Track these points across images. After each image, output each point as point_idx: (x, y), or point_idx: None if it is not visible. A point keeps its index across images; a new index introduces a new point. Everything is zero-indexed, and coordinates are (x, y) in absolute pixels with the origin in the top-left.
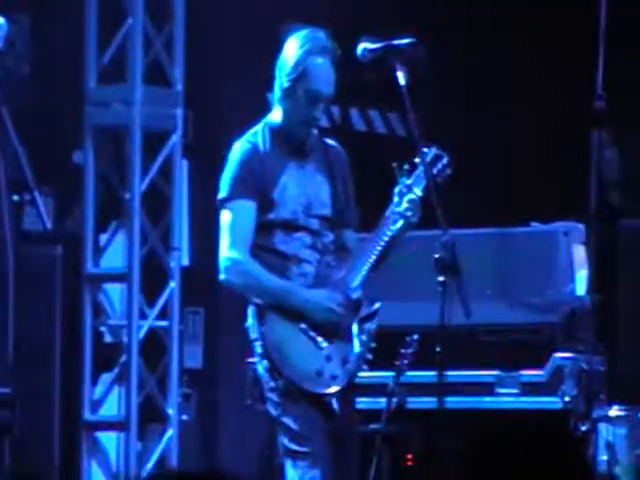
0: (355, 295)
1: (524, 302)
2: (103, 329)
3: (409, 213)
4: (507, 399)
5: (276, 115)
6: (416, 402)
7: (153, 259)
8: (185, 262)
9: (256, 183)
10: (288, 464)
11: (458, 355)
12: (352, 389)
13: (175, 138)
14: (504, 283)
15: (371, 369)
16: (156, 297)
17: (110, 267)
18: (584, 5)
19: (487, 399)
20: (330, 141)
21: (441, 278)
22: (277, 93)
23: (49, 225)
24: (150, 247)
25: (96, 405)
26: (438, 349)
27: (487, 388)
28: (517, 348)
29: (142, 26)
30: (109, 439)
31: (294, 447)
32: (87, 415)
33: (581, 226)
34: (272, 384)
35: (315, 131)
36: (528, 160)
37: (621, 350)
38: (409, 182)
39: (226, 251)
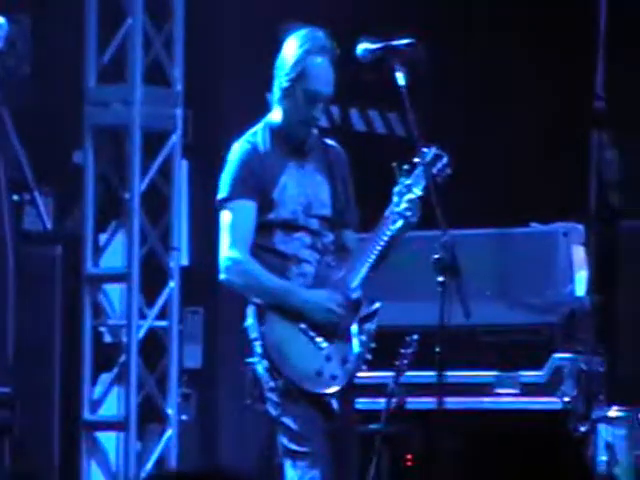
0: (355, 295)
1: (523, 302)
2: (103, 329)
3: (409, 213)
4: (506, 399)
5: (276, 115)
6: (416, 402)
7: (153, 259)
8: (184, 262)
9: (256, 183)
10: (288, 464)
11: (458, 355)
12: (352, 389)
13: (175, 138)
14: (504, 283)
15: (371, 369)
16: (155, 297)
17: (110, 267)
18: (584, 5)
19: (486, 399)
20: (330, 141)
21: (441, 278)
22: (276, 93)
23: (49, 225)
24: (150, 247)
25: (96, 405)
26: (438, 349)
27: (486, 388)
28: (516, 348)
29: (142, 26)
30: (109, 439)
31: (294, 447)
32: (87, 415)
33: (581, 227)
34: (272, 384)
35: (315, 131)
36: (528, 160)
37: (621, 351)
38: (409, 182)
39: (226, 251)
